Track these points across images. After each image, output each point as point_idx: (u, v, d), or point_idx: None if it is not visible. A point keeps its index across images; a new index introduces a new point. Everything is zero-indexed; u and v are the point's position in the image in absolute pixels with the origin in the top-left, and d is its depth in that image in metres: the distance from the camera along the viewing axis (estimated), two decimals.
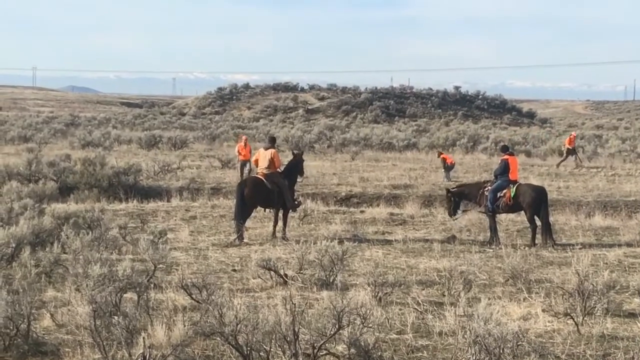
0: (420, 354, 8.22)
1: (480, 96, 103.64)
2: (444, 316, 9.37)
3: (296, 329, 7.45)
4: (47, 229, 13.01)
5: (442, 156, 30.63)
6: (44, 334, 8.60)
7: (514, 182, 16.16)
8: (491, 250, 14.79)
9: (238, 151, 28.16)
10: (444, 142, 45.37)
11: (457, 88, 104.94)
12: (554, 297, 10.13)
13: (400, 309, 9.87)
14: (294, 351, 7.44)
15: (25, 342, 8.19)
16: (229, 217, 17.99)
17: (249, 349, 7.48)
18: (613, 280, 10.34)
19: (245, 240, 15.34)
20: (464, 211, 17.30)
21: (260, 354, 7.51)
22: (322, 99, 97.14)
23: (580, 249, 14.71)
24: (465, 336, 7.54)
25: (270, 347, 7.50)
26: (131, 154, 38.51)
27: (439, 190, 24.61)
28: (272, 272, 11.35)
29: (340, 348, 7.82)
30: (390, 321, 9.19)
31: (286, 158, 18.87)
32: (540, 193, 16.04)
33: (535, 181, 24.50)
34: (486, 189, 16.31)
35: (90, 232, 12.69)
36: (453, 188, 17.84)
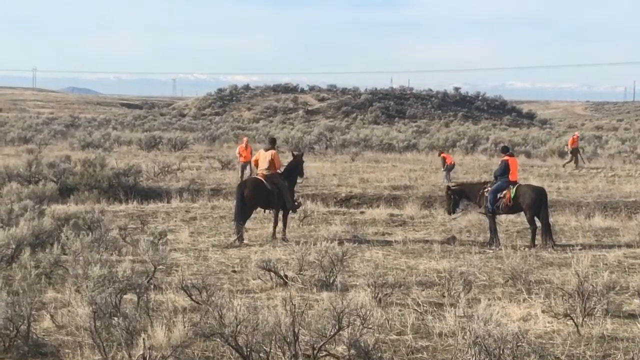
0: (420, 355, 8.22)
1: (480, 97, 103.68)
2: (443, 317, 9.38)
3: (296, 330, 7.46)
4: (47, 230, 13.01)
5: (442, 155, 30.68)
6: (44, 335, 8.60)
7: (514, 183, 16.16)
8: (491, 251, 14.79)
9: (239, 153, 28.14)
10: (443, 143, 45.37)
11: (457, 89, 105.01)
12: (554, 298, 10.13)
13: (400, 310, 9.87)
14: (293, 352, 7.45)
15: (25, 343, 8.20)
16: (229, 218, 18.00)
17: (248, 350, 7.49)
18: (613, 281, 10.35)
19: (245, 241, 15.34)
20: (462, 210, 17.31)
21: (260, 355, 7.51)
22: (322, 100, 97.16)
23: (580, 249, 14.70)
24: (465, 337, 7.54)
25: (270, 348, 7.50)
26: (131, 155, 38.51)
27: (439, 191, 24.60)
28: (272, 273, 11.35)
29: (340, 349, 7.82)
30: (390, 322, 9.19)
31: (286, 159, 18.87)
32: (540, 194, 16.04)
33: (535, 182, 24.51)
34: (486, 190, 16.32)
35: (90, 233, 12.69)
36: (454, 185, 17.89)
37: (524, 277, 11.37)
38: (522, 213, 16.42)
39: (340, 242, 13.06)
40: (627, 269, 13.08)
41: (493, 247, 15.18)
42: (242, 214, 15.79)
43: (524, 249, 14.61)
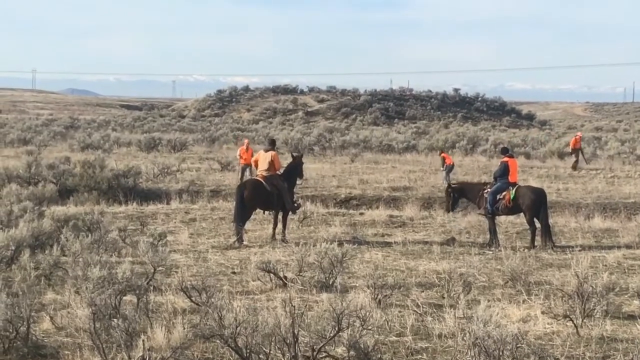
0: (420, 356, 8.23)
1: (480, 98, 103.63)
2: (443, 318, 9.38)
3: (296, 332, 7.46)
4: (46, 231, 13.01)
5: (442, 154, 30.67)
6: (43, 337, 8.60)
7: (514, 184, 16.16)
8: (490, 252, 14.80)
9: (239, 154, 28.10)
10: (443, 144, 45.37)
11: (456, 90, 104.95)
12: (554, 299, 10.13)
13: (399, 311, 9.87)
14: (293, 353, 7.45)
15: (25, 344, 8.20)
16: (228, 219, 18.00)
17: (248, 351, 7.49)
18: (612, 283, 10.37)
19: (244, 243, 15.34)
20: (461, 211, 17.34)
21: (260, 356, 7.51)
22: (321, 101, 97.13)
23: (579, 251, 14.71)
24: (465, 338, 7.54)
25: (270, 350, 7.50)
26: (131, 156, 38.51)
27: (439, 192, 24.61)
28: (272, 275, 11.36)
29: (340, 350, 7.82)
30: (389, 323, 9.19)
31: (285, 160, 18.88)
32: (539, 195, 16.05)
33: (534, 183, 24.53)
34: (485, 191, 16.32)
35: (89, 235, 12.69)
36: (454, 184, 17.90)
37: (524, 278, 11.38)
38: (522, 214, 16.42)
39: (340, 244, 13.05)
40: (626, 270, 13.09)
41: (492, 249, 15.19)
42: (242, 216, 15.79)
43: (524, 250, 14.62)
